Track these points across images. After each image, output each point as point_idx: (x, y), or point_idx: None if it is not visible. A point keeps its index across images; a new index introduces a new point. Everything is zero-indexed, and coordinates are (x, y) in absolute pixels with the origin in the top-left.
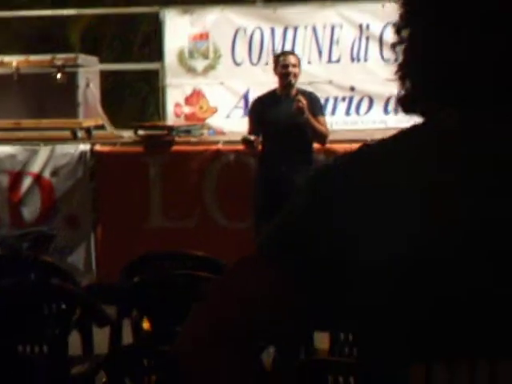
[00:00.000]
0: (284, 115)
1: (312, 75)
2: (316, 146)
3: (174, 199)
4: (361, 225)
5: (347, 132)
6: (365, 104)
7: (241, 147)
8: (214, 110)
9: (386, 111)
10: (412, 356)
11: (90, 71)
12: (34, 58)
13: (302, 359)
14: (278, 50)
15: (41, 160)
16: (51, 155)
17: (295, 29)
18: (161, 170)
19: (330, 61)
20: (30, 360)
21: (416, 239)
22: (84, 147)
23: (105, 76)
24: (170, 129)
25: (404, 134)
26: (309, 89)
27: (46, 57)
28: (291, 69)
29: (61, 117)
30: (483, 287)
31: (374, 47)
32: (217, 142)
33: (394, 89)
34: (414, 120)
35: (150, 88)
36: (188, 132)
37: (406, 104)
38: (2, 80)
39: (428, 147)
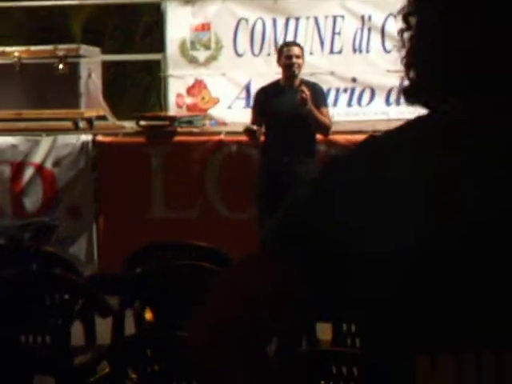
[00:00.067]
0: (287, 106)
1: (314, 66)
2: (318, 137)
3: (175, 190)
4: (365, 216)
5: (349, 123)
6: (367, 95)
7: (243, 138)
8: (216, 101)
9: (387, 102)
10: (417, 346)
11: (91, 62)
12: (35, 48)
13: (305, 350)
14: (280, 40)
15: (42, 150)
16: (53, 146)
17: (297, 20)
18: (163, 160)
19: (331, 52)
20: (33, 350)
21: (421, 230)
22: (86, 138)
23: (106, 66)
24: (172, 119)
25: (410, 125)
26: (311, 80)
27: (48, 47)
28: (295, 60)
29: (62, 107)
30: (488, 278)
31: (375, 38)
32: (219, 133)
33: (395, 80)
34: (417, 111)
35: (152, 78)
36: (190, 123)
37: (409, 94)
38: (4, 70)
39: (433, 138)
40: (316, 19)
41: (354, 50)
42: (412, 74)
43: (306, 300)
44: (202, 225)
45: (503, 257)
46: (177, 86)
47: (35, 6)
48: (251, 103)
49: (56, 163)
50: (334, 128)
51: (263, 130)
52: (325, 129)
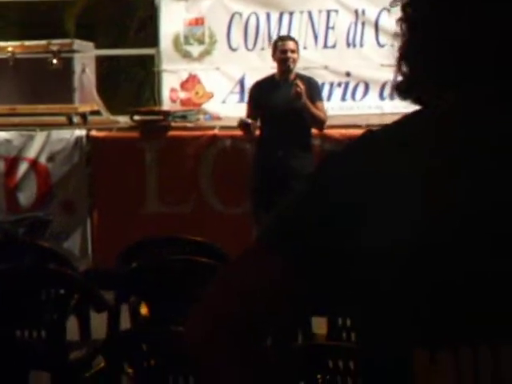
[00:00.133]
0: (282, 100)
1: (308, 60)
2: (313, 131)
3: (170, 184)
4: (361, 211)
5: (343, 117)
6: (360, 89)
7: (237, 132)
8: (210, 96)
9: (381, 97)
10: (415, 340)
11: (85, 56)
12: (29, 43)
13: (301, 344)
14: (274, 35)
15: (37, 145)
16: (47, 140)
17: (291, 14)
18: (157, 155)
19: (325, 46)
20: (28, 345)
21: (417, 224)
22: (80, 132)
23: (100, 61)
24: (166, 114)
25: (406, 120)
26: (306, 74)
27: (42, 42)
28: (290, 54)
29: (56, 102)
30: (482, 270)
31: (369, 33)
32: (213, 128)
33: (389, 74)
34: (411, 105)
35: (146, 73)
36: (184, 117)
37: (402, 89)
38: None
39: (427, 131)
40: (310, 13)
41: (348, 45)
42: (404, 69)
43: (302, 295)
44: (196, 219)
45: (497, 248)
46: (171, 81)
47: (29, 0)
48: (245, 98)
49: (50, 158)
50: (328, 122)
51: (258, 124)
52: (320, 123)
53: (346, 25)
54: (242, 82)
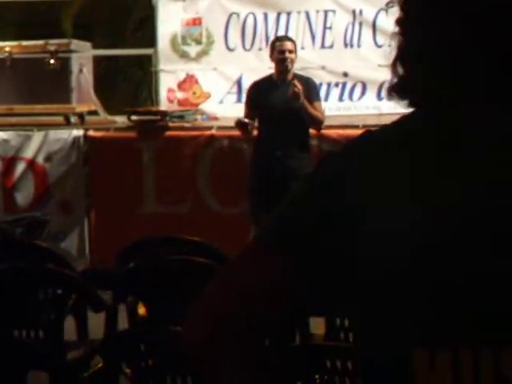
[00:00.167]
0: (280, 100)
1: (305, 61)
2: (311, 131)
3: (167, 184)
4: (361, 211)
5: (340, 117)
6: (358, 90)
7: (234, 133)
8: (207, 96)
9: (379, 97)
10: (415, 341)
11: (83, 57)
12: (26, 43)
13: (299, 344)
14: (271, 35)
15: (34, 145)
16: (44, 140)
17: (288, 14)
18: (154, 155)
19: (323, 46)
20: (26, 345)
21: (417, 225)
22: (77, 132)
23: (98, 61)
24: (164, 114)
25: (405, 120)
26: (303, 74)
27: (39, 42)
28: (288, 54)
29: (54, 102)
30: (483, 272)
31: (367, 33)
32: (210, 128)
33: (387, 75)
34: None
35: (144, 73)
36: (181, 117)
37: (396, 91)
38: None
39: (426, 132)
40: (307, 14)
41: (346, 45)
42: (400, 70)
43: (302, 295)
44: (193, 219)
45: (497, 249)
46: (168, 81)
47: (26, 0)
48: (243, 98)
49: (47, 158)
50: (325, 122)
51: (256, 124)
52: (317, 123)
53: (344, 25)
54: (239, 83)
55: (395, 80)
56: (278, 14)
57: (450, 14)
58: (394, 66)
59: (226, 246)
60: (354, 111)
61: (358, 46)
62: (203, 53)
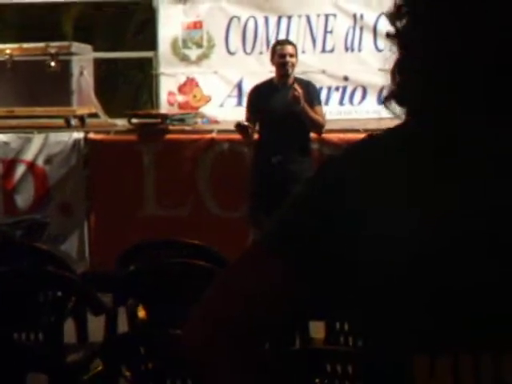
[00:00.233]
0: (280, 104)
1: (305, 65)
2: (311, 135)
3: (167, 187)
4: (361, 216)
5: (341, 121)
6: (358, 94)
7: (235, 136)
8: (208, 99)
9: (379, 101)
10: (415, 347)
11: (83, 59)
12: (27, 45)
13: (299, 348)
14: (272, 39)
15: (34, 148)
16: (45, 143)
17: (289, 18)
18: (154, 158)
19: (323, 50)
20: (26, 347)
21: (415, 231)
22: (78, 135)
23: (98, 64)
24: (164, 117)
25: (405, 125)
26: (304, 78)
27: (40, 45)
28: (288, 58)
29: (54, 105)
30: (481, 279)
31: (367, 37)
32: (211, 131)
33: (387, 79)
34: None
35: (144, 76)
36: (182, 120)
37: (395, 99)
38: None
39: (424, 138)
40: (308, 18)
41: (346, 49)
42: (398, 78)
43: (303, 299)
44: (193, 223)
45: (495, 255)
46: (168, 84)
47: (27, 3)
48: (243, 101)
49: (48, 161)
50: (326, 126)
51: (257, 128)
52: (318, 127)
53: (344, 29)
54: (239, 86)
55: (394, 88)
56: (279, 18)
57: (450, 15)
58: (392, 73)
59: (226, 250)
60: (354, 115)
61: (359, 50)
62: (204, 56)
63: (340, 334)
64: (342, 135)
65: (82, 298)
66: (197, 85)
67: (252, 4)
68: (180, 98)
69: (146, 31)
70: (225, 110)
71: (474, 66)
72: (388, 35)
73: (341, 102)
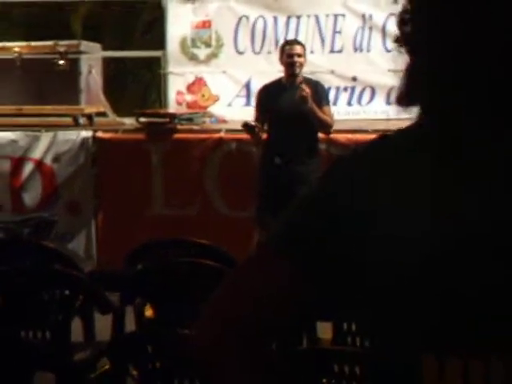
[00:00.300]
0: (288, 104)
1: (314, 65)
2: (319, 135)
3: (175, 187)
4: (370, 218)
5: (349, 122)
6: (367, 94)
7: (243, 135)
8: (216, 99)
9: (388, 102)
10: (424, 347)
11: (92, 58)
12: (36, 44)
13: (306, 349)
14: (281, 39)
15: (42, 146)
16: (53, 141)
17: (298, 18)
18: (162, 157)
19: (332, 51)
20: (33, 346)
21: (426, 233)
22: (86, 134)
23: (107, 63)
24: (172, 116)
25: (416, 126)
26: (312, 78)
27: (49, 43)
28: (296, 58)
29: (63, 103)
30: (492, 282)
31: (376, 37)
32: (219, 131)
33: (396, 80)
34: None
35: (153, 75)
36: (190, 120)
37: (405, 100)
38: (5, 66)
39: (434, 139)
40: (317, 18)
41: (355, 49)
42: (407, 80)
43: (310, 300)
44: (201, 222)
45: (505, 256)
46: (177, 83)
47: (36, 2)
48: (252, 101)
49: (56, 159)
50: (334, 127)
51: (266, 127)
52: (326, 127)
53: (353, 29)
54: (248, 86)
55: (404, 89)
56: (288, 18)
57: (455, 17)
58: (403, 75)
59: (234, 249)
60: (362, 116)
61: (368, 50)
62: (212, 55)
63: (347, 335)
64: (350, 135)
65: (90, 297)
66: (205, 84)
67: (261, 4)
68: (188, 98)
69: (153, 30)
70: (233, 110)
71: (479, 67)
72: (397, 40)
73: (349, 103)
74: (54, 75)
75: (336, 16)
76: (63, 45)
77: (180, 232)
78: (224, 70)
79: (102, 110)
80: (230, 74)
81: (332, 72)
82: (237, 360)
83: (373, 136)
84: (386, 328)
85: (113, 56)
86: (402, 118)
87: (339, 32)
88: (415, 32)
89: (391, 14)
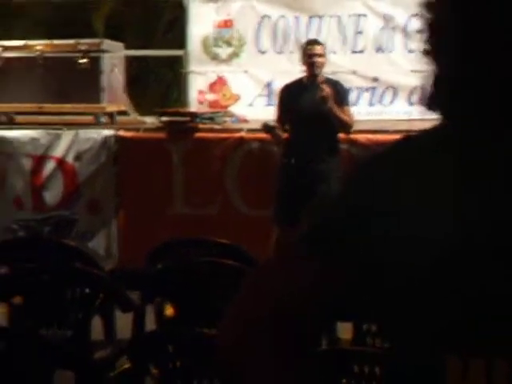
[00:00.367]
0: (309, 103)
1: (336, 65)
2: (340, 135)
3: (196, 186)
4: (390, 219)
5: (370, 122)
6: (389, 95)
7: (264, 135)
8: (237, 98)
9: (409, 102)
10: (447, 348)
11: (114, 56)
12: (58, 42)
13: (326, 349)
14: (303, 39)
15: (64, 144)
16: (74, 140)
17: (320, 18)
18: (183, 156)
19: (354, 51)
20: (53, 344)
21: (449, 234)
22: (107, 132)
23: (129, 62)
24: (194, 115)
25: (441, 126)
26: (333, 78)
27: (71, 41)
28: (317, 59)
29: (84, 101)
30: (494, 285)
31: (398, 38)
32: (240, 130)
33: (418, 80)
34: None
35: (174, 74)
36: (211, 119)
37: (428, 104)
38: (27, 64)
39: (456, 141)
40: (339, 18)
41: (377, 50)
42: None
43: (333, 301)
44: (221, 221)
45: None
46: (198, 83)
47: (58, 1)
48: (273, 101)
49: (77, 157)
50: (355, 127)
51: (287, 127)
52: (346, 127)
53: (375, 30)
54: (269, 85)
55: (429, 93)
56: (310, 18)
57: (476, 17)
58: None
59: (254, 249)
60: (384, 116)
61: (390, 50)
62: (234, 55)
63: (367, 335)
64: (370, 136)
65: (110, 295)
66: (226, 83)
67: (283, 3)
68: (210, 97)
69: (175, 30)
70: (254, 110)
71: (480, 67)
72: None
73: (371, 103)
74: (76, 74)
75: (358, 16)
76: (85, 43)
77: (200, 231)
78: (245, 69)
79: (123, 108)
80: (251, 74)
81: (354, 72)
82: (259, 360)
83: (393, 136)
84: (410, 329)
85: (135, 55)
86: (425, 118)
87: (361, 32)
88: (432, 38)
89: (413, 15)
